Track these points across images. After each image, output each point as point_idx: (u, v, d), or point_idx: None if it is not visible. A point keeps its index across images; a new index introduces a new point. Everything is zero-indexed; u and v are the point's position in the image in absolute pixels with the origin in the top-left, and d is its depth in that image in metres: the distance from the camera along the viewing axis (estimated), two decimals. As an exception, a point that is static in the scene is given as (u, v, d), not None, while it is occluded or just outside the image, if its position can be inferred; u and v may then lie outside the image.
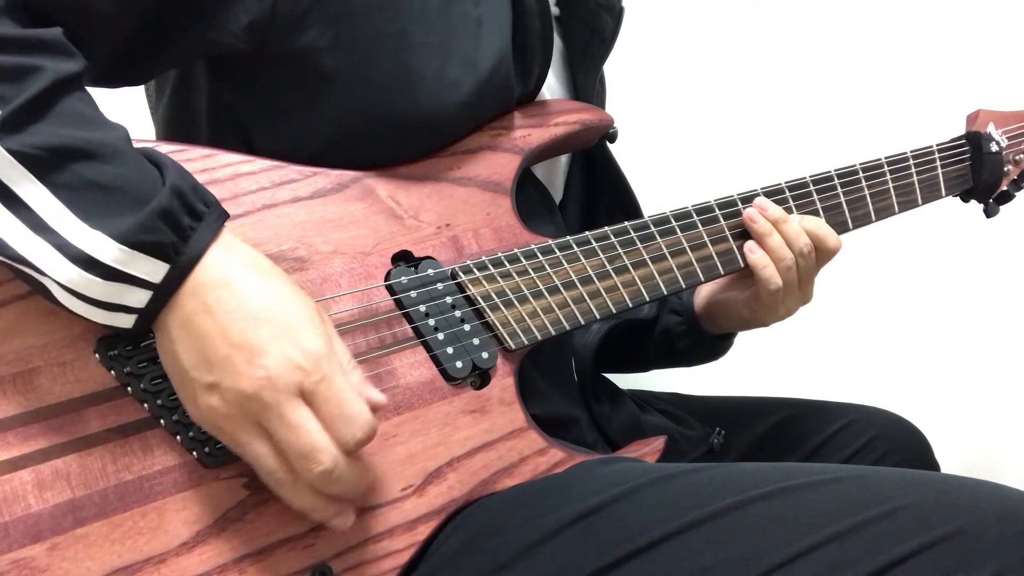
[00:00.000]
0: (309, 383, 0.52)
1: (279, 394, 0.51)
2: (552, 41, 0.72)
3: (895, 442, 0.85)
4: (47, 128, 0.50)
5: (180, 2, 0.60)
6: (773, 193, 0.80)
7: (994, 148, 0.95)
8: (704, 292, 0.87)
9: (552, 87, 0.81)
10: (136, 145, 0.55)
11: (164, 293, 0.52)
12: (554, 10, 0.80)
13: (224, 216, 0.55)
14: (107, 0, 0.57)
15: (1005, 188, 0.99)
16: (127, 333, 0.53)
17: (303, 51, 0.63)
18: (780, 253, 0.76)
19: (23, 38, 0.51)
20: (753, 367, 0.89)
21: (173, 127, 0.73)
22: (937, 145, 0.92)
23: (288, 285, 0.55)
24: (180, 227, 0.52)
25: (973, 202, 0.99)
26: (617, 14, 0.81)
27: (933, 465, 0.88)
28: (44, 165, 0.50)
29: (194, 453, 0.55)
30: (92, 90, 0.57)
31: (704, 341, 0.87)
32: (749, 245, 0.77)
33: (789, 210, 0.80)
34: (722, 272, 0.77)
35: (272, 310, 0.53)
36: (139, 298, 0.52)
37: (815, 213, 0.82)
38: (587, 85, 0.82)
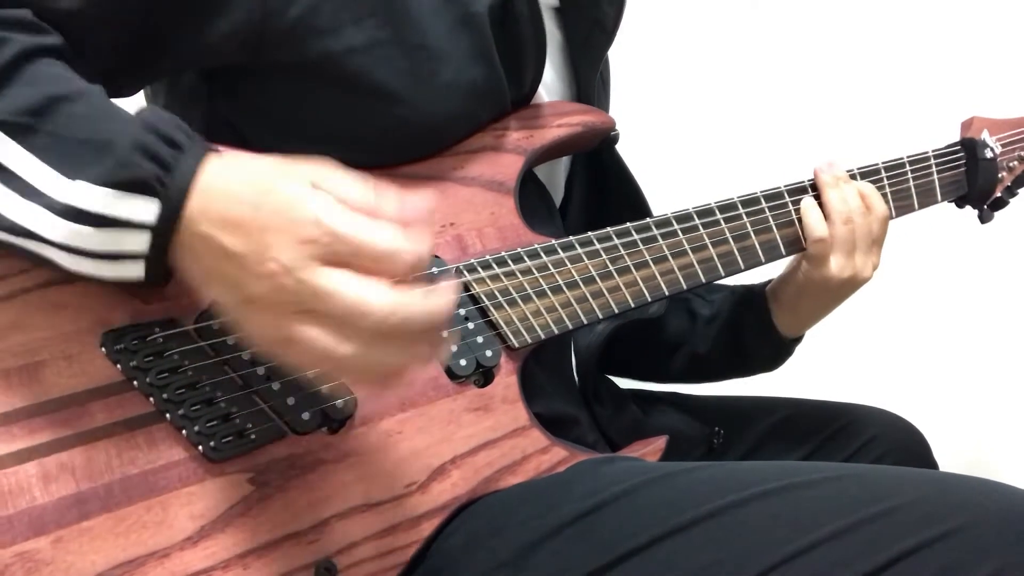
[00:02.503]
0: (323, 250, 0.47)
1: (297, 273, 0.47)
2: (544, 44, 0.72)
3: (894, 442, 0.86)
4: (19, 91, 0.50)
5: (163, 18, 0.60)
6: (771, 197, 0.81)
7: (989, 154, 0.96)
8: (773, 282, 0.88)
9: (552, 80, 0.81)
10: None
11: (163, 233, 0.50)
12: (554, 1, 0.80)
13: (206, 146, 0.52)
14: (82, 13, 0.57)
15: (999, 194, 1.00)
16: (146, 284, 0.52)
17: (297, 61, 0.63)
18: (838, 205, 0.80)
19: None
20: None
21: None
22: (933, 151, 0.93)
23: (270, 171, 0.50)
24: (160, 159, 0.50)
25: (968, 207, 1.00)
26: (619, 3, 0.80)
27: (932, 464, 0.89)
28: (21, 127, 0.50)
29: (200, 448, 0.55)
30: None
31: (771, 333, 0.87)
32: (805, 200, 0.81)
33: (788, 214, 0.81)
34: (723, 274, 0.78)
35: (257, 202, 0.48)
36: (139, 241, 0.50)
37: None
38: (588, 77, 0.81)
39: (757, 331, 0.87)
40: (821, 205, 0.81)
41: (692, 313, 0.93)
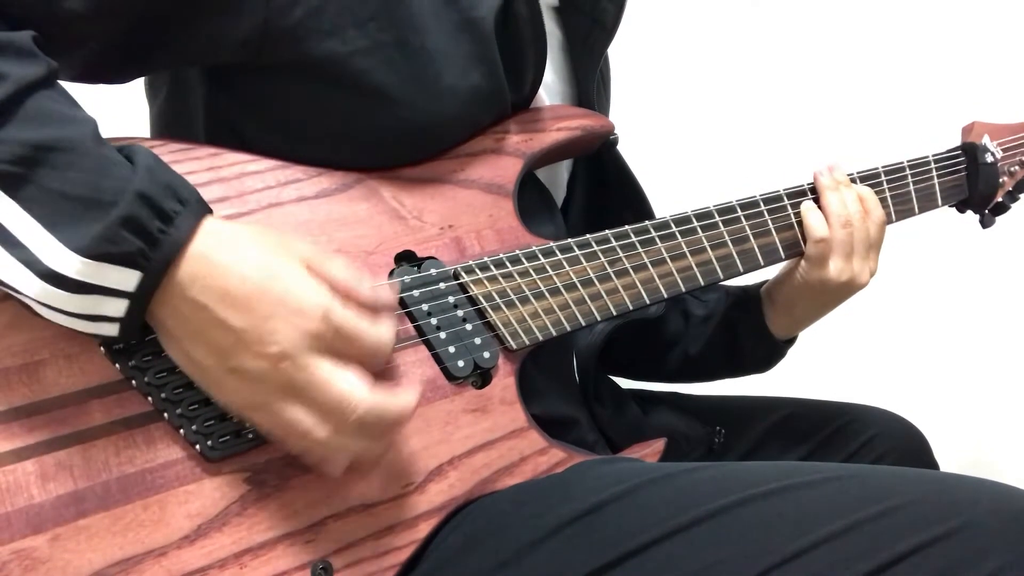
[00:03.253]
0: (325, 339, 0.53)
1: (297, 360, 0.52)
2: (545, 46, 0.72)
3: (894, 441, 0.85)
4: (12, 136, 0.49)
5: (168, 16, 0.60)
6: (770, 200, 0.81)
7: (989, 159, 0.96)
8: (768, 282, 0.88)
9: (552, 79, 0.81)
10: (122, 142, 0.55)
11: (140, 301, 0.51)
12: (553, 0, 0.81)
13: (202, 211, 0.53)
14: (87, 13, 0.57)
15: (1000, 199, 1.00)
16: (116, 341, 0.53)
17: (299, 62, 0.63)
18: (837, 209, 0.80)
19: None
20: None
21: (169, 132, 0.73)
22: (933, 155, 0.93)
23: (270, 250, 0.54)
24: (147, 233, 0.50)
25: (969, 212, 1.00)
26: (620, 1, 0.81)
27: (932, 464, 0.88)
28: (11, 177, 0.49)
29: (197, 447, 0.55)
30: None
31: (764, 334, 0.87)
32: (805, 203, 0.81)
33: (787, 217, 0.81)
34: (721, 277, 0.78)
35: (262, 285, 0.52)
36: (116, 307, 0.51)
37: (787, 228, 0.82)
38: (588, 76, 0.82)
39: (751, 332, 0.87)
40: (820, 208, 0.81)
41: (686, 313, 0.93)
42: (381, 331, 0.55)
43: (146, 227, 0.51)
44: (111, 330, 0.52)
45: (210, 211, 0.54)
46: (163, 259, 0.51)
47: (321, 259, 0.55)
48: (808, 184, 0.83)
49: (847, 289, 0.81)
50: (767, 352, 0.89)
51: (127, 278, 0.51)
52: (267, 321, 0.52)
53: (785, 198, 0.82)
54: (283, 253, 0.54)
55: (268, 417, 0.54)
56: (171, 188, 0.52)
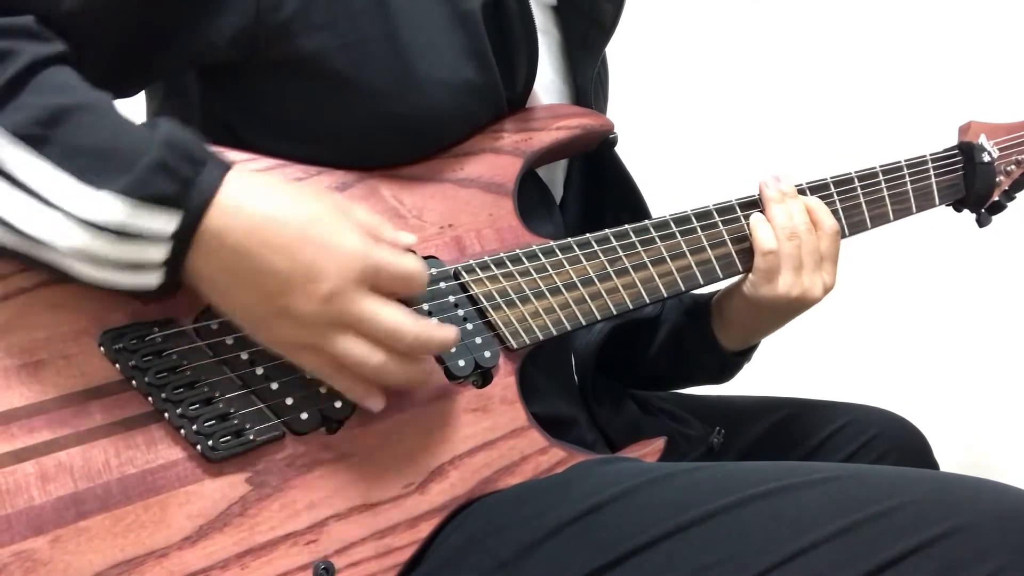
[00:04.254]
0: (367, 276, 0.55)
1: (346, 296, 0.54)
2: (536, 41, 0.72)
3: (894, 441, 0.86)
4: (32, 100, 0.51)
5: (161, 17, 0.60)
6: (748, 206, 0.81)
7: (986, 158, 0.96)
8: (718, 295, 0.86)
9: (550, 78, 0.81)
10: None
11: (182, 243, 0.52)
12: (551, 0, 0.80)
13: (227, 163, 0.54)
14: (82, 15, 0.57)
15: (996, 198, 1.00)
16: (156, 293, 0.53)
17: (291, 59, 0.63)
18: (782, 221, 0.77)
19: None
20: (753, 367, 0.90)
21: None
22: (930, 154, 0.93)
23: (308, 196, 0.56)
24: (180, 176, 0.51)
25: (965, 211, 1.00)
26: (618, 1, 0.80)
27: (932, 464, 0.88)
28: (36, 138, 0.50)
29: (198, 447, 0.55)
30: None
31: (713, 346, 0.84)
32: (754, 215, 0.78)
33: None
34: (720, 276, 0.78)
35: (302, 229, 0.54)
36: (158, 252, 0.52)
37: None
38: (586, 75, 0.82)
39: (699, 343, 0.85)
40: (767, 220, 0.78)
41: (642, 320, 0.89)
42: (415, 265, 0.58)
43: (179, 171, 0.51)
44: (152, 279, 0.52)
45: (231, 165, 0.55)
46: (200, 200, 0.52)
47: (346, 205, 0.58)
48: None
49: (799, 304, 0.78)
50: (717, 364, 0.86)
51: (167, 220, 0.51)
52: (313, 263, 0.53)
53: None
54: (313, 199, 0.56)
55: (318, 355, 0.56)
56: (196, 141, 0.54)
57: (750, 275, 0.78)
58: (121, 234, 0.50)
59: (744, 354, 0.87)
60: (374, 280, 0.56)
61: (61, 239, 0.50)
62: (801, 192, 0.80)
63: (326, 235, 0.54)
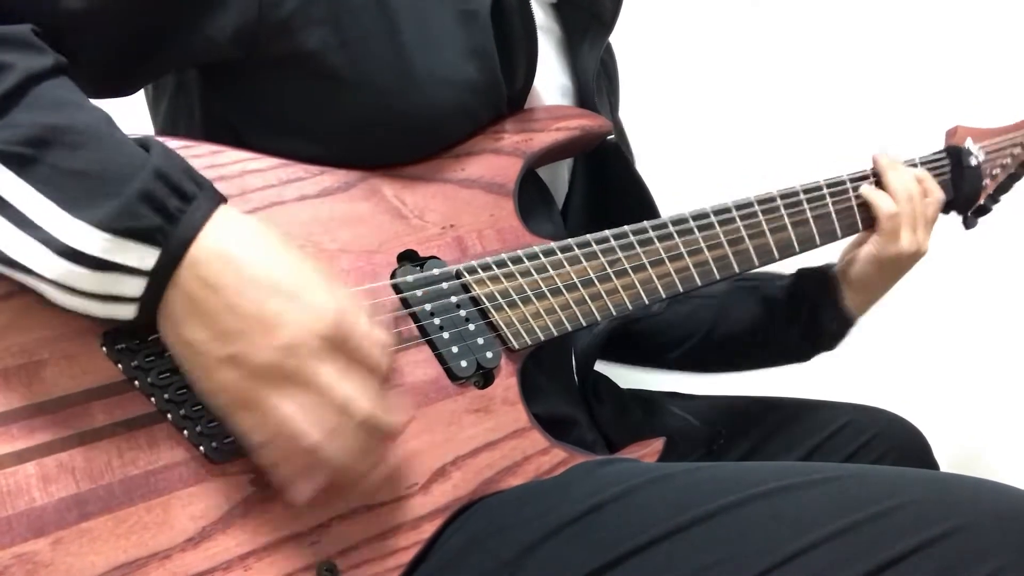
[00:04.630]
0: (333, 341, 0.52)
1: (303, 359, 0.51)
2: (535, 38, 0.72)
3: (894, 441, 0.86)
4: (22, 119, 0.49)
5: (163, 15, 0.60)
6: (765, 201, 0.82)
7: (973, 162, 0.98)
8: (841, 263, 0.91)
9: (551, 76, 0.81)
10: (133, 135, 0.54)
11: (159, 279, 0.50)
12: None
13: (219, 199, 0.53)
14: (86, 13, 0.56)
15: (982, 202, 1.02)
16: (130, 325, 0.52)
17: (292, 56, 0.63)
18: (900, 185, 0.86)
19: None
20: (754, 367, 0.92)
21: (170, 133, 0.72)
22: (919, 158, 0.94)
23: (290, 251, 0.54)
24: (166, 210, 0.50)
25: (952, 213, 1.01)
26: None
27: (932, 464, 0.89)
28: (22, 158, 0.48)
29: (201, 448, 0.55)
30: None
31: (843, 313, 0.89)
32: (864, 186, 0.87)
33: (780, 218, 0.82)
34: (718, 277, 0.78)
35: (277, 277, 0.52)
36: (134, 286, 0.50)
37: (804, 223, 0.83)
38: (588, 72, 0.82)
39: (831, 311, 0.90)
40: (883, 187, 0.86)
41: (766, 299, 0.93)
42: (385, 340, 0.55)
43: (165, 204, 0.50)
44: (127, 312, 0.51)
45: (225, 200, 0.54)
46: (182, 238, 0.50)
47: (332, 275, 0.55)
48: (779, 191, 0.83)
49: (913, 259, 0.87)
50: (841, 331, 0.91)
51: (145, 256, 0.50)
52: (281, 312, 0.51)
53: (778, 198, 0.82)
54: (299, 256, 0.54)
55: (256, 415, 0.52)
56: (188, 171, 0.52)
57: (875, 236, 0.86)
58: (99, 264, 0.49)
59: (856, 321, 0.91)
60: (339, 346, 0.52)
61: (39, 266, 0.49)
62: (771, 199, 0.82)
63: (301, 289, 0.52)
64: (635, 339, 0.92)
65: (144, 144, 0.53)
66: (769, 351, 0.95)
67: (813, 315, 0.90)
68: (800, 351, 0.94)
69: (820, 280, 0.91)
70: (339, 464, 0.53)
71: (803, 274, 0.92)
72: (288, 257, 0.53)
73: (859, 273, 0.88)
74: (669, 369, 0.99)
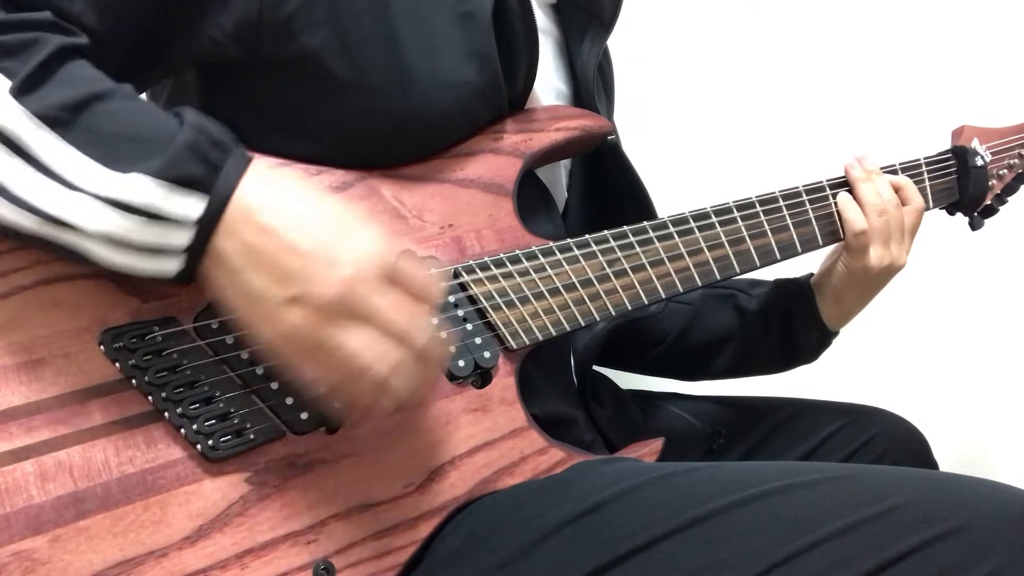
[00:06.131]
0: (387, 272, 0.53)
1: (368, 285, 0.52)
2: (536, 39, 0.72)
3: (894, 441, 0.86)
4: (61, 88, 0.51)
5: (164, 13, 0.60)
6: (766, 202, 0.81)
7: (979, 162, 0.97)
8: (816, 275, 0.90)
9: (550, 76, 0.81)
10: None
11: (206, 227, 0.52)
12: None
13: (249, 156, 0.54)
14: (91, 14, 0.57)
15: (989, 202, 1.01)
16: (175, 278, 0.53)
17: (292, 56, 0.63)
18: (871, 199, 0.83)
19: (19, 20, 0.53)
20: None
21: None
22: (924, 158, 0.94)
23: (327, 193, 0.56)
24: (208, 160, 0.52)
25: (959, 214, 1.01)
26: None
27: (932, 464, 0.89)
28: (65, 122, 0.51)
29: (198, 447, 0.55)
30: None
31: (819, 325, 0.88)
32: (841, 195, 0.84)
33: (782, 218, 0.81)
34: (718, 277, 0.78)
35: (326, 216, 0.54)
36: (182, 237, 0.52)
37: (806, 223, 0.83)
38: (587, 72, 0.82)
39: (806, 323, 0.89)
40: (855, 199, 0.84)
41: (739, 308, 0.93)
42: (434, 275, 0.57)
43: (208, 155, 0.52)
44: (172, 265, 0.52)
45: (251, 157, 0.55)
46: (227, 186, 0.52)
47: (364, 213, 0.57)
48: (780, 191, 0.83)
49: (887, 273, 0.84)
50: (819, 343, 0.90)
51: (192, 206, 0.51)
52: (336, 247, 0.52)
53: (780, 199, 0.82)
54: (333, 197, 0.56)
55: (324, 357, 0.53)
56: (222, 129, 0.54)
57: (844, 252, 0.84)
58: (150, 216, 0.51)
59: (836, 333, 0.91)
60: (393, 278, 0.54)
61: (89, 221, 0.50)
62: (773, 200, 0.82)
63: (350, 226, 0.54)
64: (617, 342, 0.91)
65: (176, 112, 0.55)
66: (745, 360, 0.93)
67: (786, 327, 0.89)
68: (776, 362, 0.93)
69: (795, 292, 0.89)
70: (403, 395, 0.55)
71: (779, 284, 0.91)
72: (330, 199, 0.55)
73: (832, 285, 0.87)
74: (646, 373, 0.98)
